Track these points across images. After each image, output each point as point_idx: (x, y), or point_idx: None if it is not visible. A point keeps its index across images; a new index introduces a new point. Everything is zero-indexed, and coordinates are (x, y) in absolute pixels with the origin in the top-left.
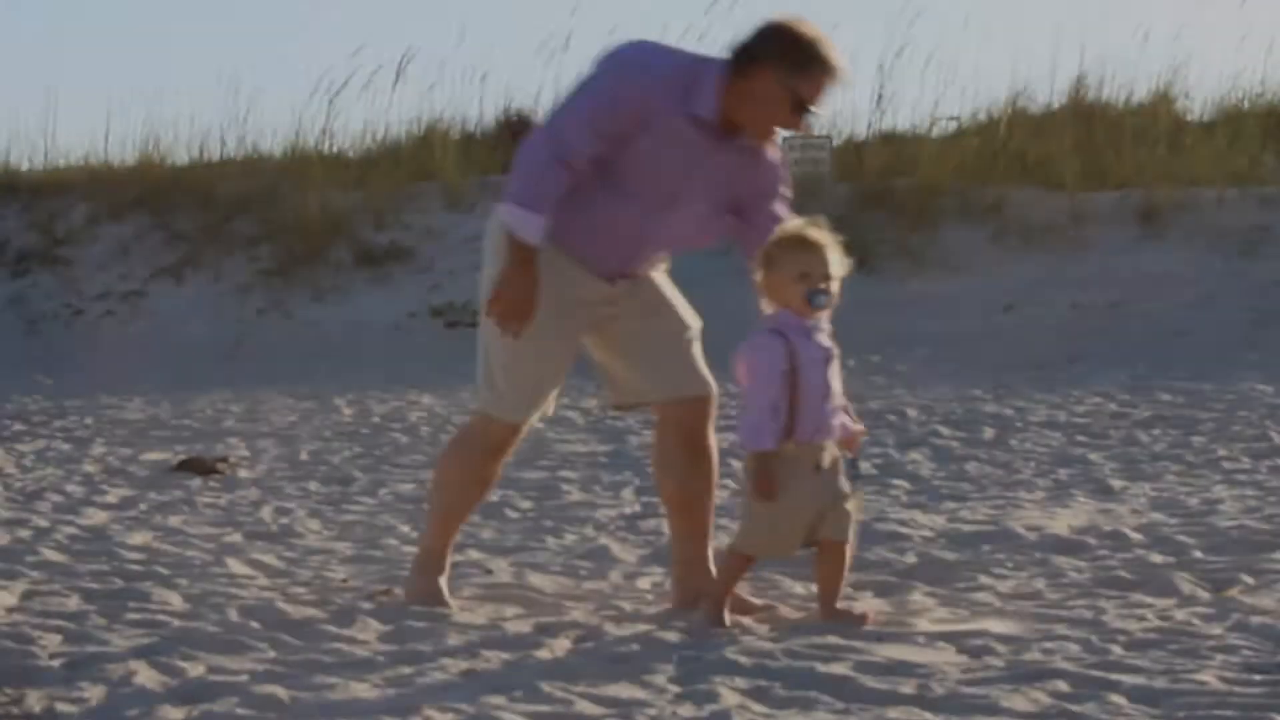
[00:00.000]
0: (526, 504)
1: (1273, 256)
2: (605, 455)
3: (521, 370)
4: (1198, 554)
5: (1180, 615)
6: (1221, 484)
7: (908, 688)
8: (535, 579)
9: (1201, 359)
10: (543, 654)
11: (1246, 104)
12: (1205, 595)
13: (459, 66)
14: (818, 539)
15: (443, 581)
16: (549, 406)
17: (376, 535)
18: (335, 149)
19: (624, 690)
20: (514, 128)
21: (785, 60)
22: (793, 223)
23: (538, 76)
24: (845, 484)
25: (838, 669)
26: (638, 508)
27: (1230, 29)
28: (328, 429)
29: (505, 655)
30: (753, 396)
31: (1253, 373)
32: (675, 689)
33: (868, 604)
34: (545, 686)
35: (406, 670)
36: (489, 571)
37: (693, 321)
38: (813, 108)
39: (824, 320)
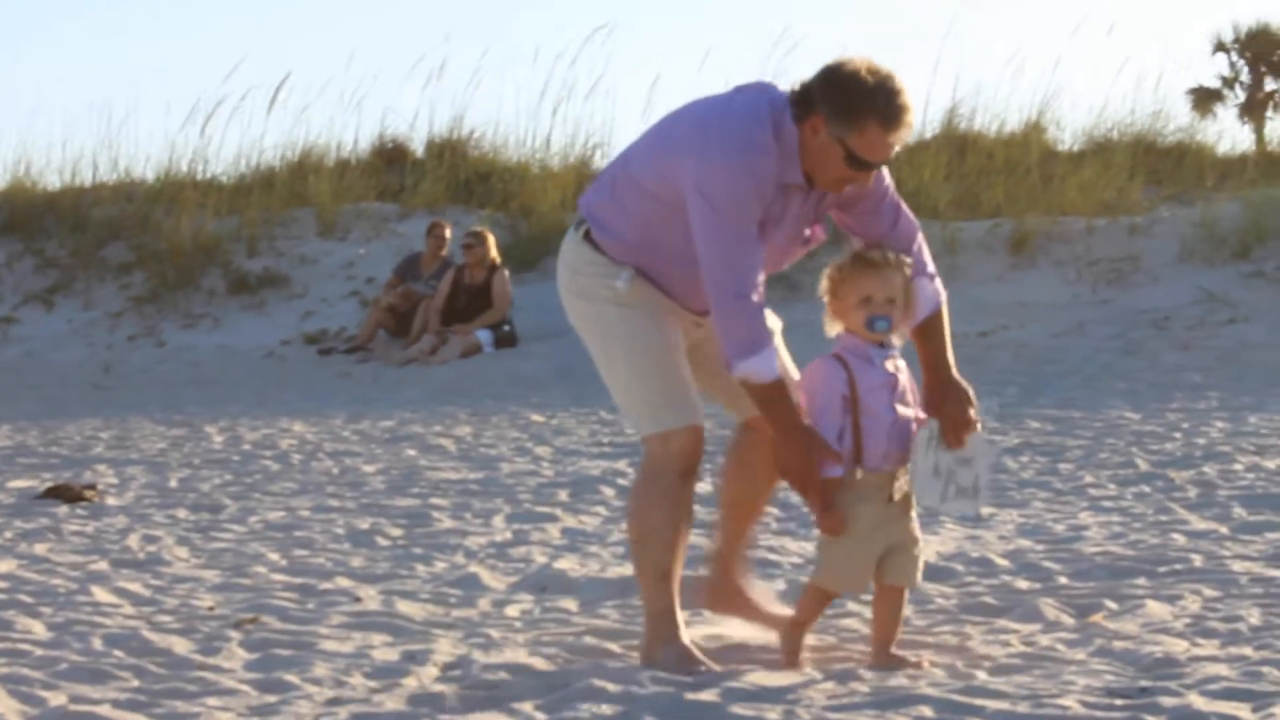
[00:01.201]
0: (397, 531)
1: (1141, 285)
2: (476, 483)
3: (659, 372)
4: (1063, 580)
5: (1045, 641)
6: (1088, 510)
7: (774, 714)
8: (404, 607)
9: (1070, 387)
10: (409, 682)
11: (1116, 134)
12: (1070, 621)
13: (334, 91)
14: (881, 581)
15: (686, 639)
16: (702, 412)
17: (245, 563)
18: (209, 174)
19: (491, 718)
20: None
21: (834, 109)
22: (860, 245)
23: (414, 102)
24: (916, 530)
25: (705, 695)
26: (508, 535)
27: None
28: (198, 456)
29: (372, 684)
30: (815, 424)
31: (1120, 400)
32: (542, 717)
33: (920, 652)
34: (411, 715)
35: (271, 699)
36: (358, 600)
37: (791, 369)
38: (870, 161)
39: (892, 344)
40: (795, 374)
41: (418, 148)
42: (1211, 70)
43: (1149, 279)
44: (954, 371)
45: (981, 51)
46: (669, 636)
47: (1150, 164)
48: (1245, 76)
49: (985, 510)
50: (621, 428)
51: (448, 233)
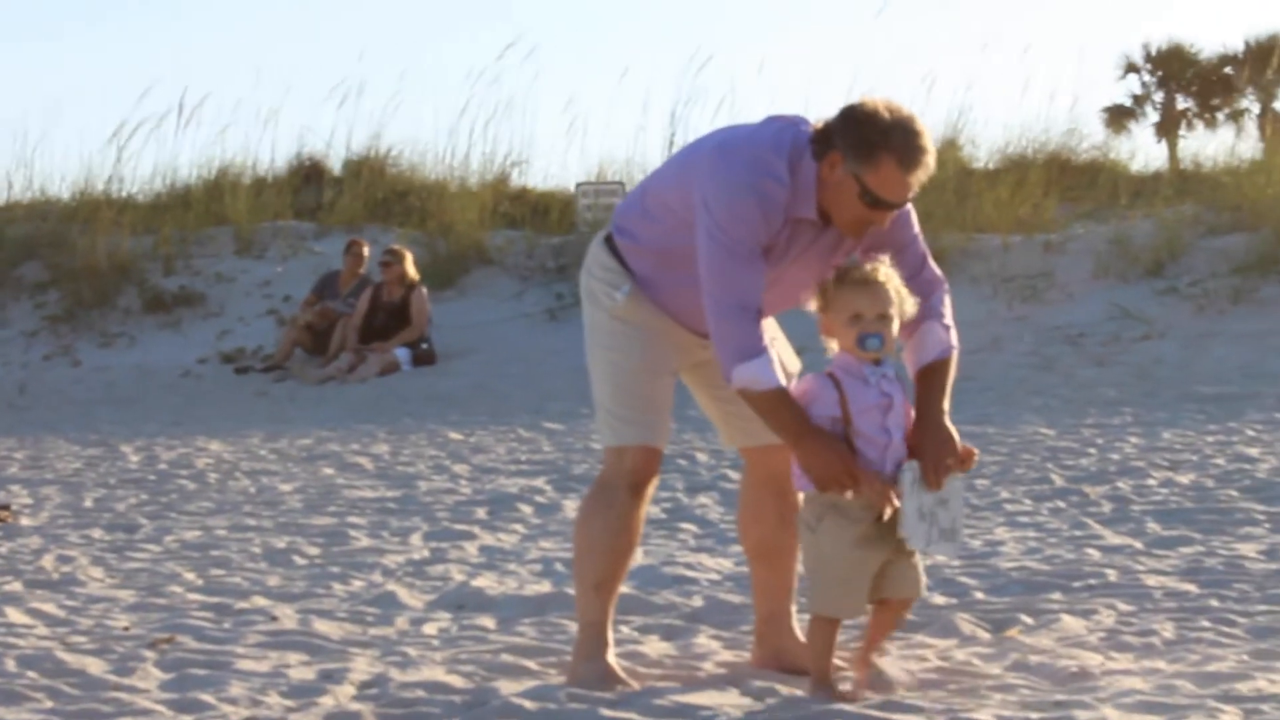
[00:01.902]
0: (314, 550)
1: (1056, 301)
2: (394, 501)
3: (631, 389)
4: (979, 595)
5: (961, 655)
6: (1004, 526)
7: None
8: (321, 626)
9: (986, 402)
10: (326, 701)
11: (1030, 152)
12: (986, 636)
13: (250, 110)
14: (880, 595)
15: (612, 658)
16: (665, 437)
17: (161, 583)
18: (124, 193)
19: None
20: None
21: (850, 145)
22: (849, 263)
23: (331, 120)
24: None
25: (623, 713)
26: (426, 553)
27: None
28: (113, 476)
29: (288, 703)
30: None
31: (1035, 416)
32: None
33: (903, 667)
34: None
35: (187, 719)
36: (274, 619)
37: (792, 365)
38: (886, 200)
39: (888, 363)
40: (793, 365)
41: (335, 166)
42: (1125, 89)
43: (1064, 295)
44: (944, 418)
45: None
46: (593, 652)
47: (1065, 181)
48: (1157, 95)
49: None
50: (540, 445)
51: (366, 251)
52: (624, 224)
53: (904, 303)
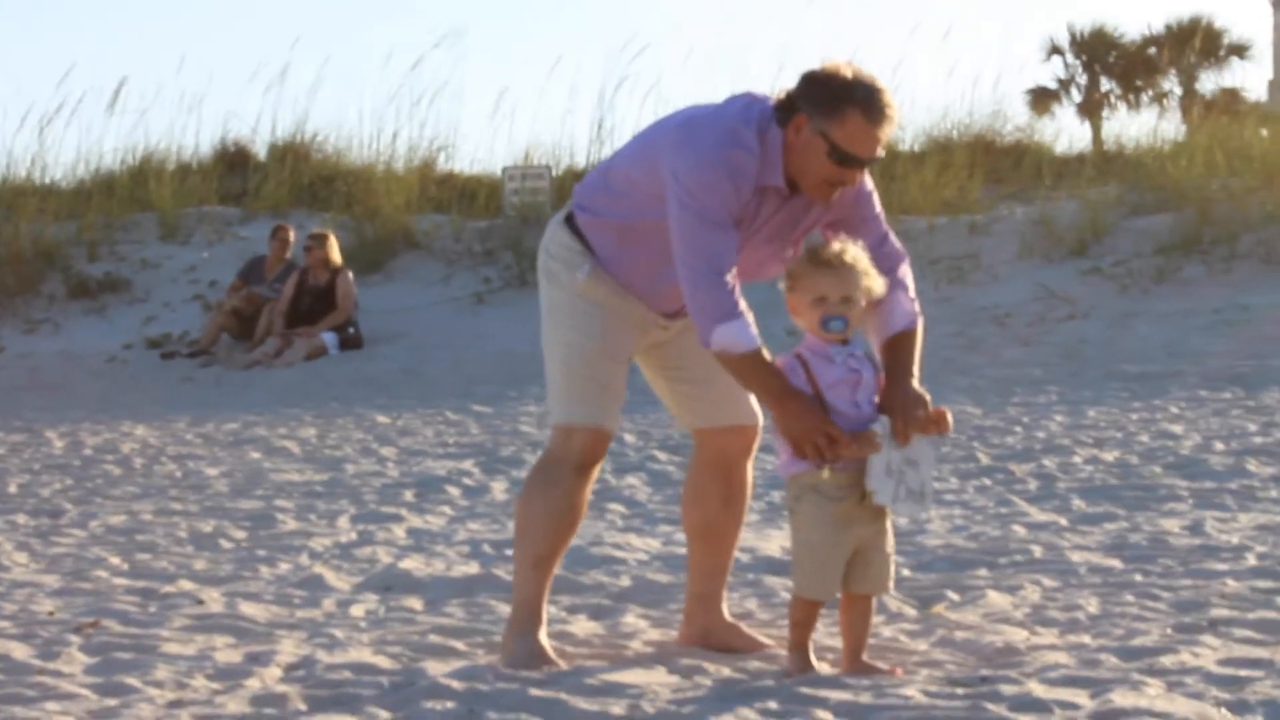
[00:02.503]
0: (240, 534)
1: (982, 283)
2: (321, 484)
3: (585, 370)
4: (906, 572)
5: (888, 632)
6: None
7: (619, 708)
8: (247, 608)
9: None
10: (252, 684)
11: (955, 134)
12: (912, 613)
13: (174, 95)
14: (850, 586)
15: (544, 637)
16: (616, 420)
17: (86, 567)
18: (48, 179)
19: (334, 718)
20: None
21: (816, 103)
22: (821, 243)
23: (257, 105)
24: (889, 535)
25: (550, 691)
26: (354, 536)
27: (938, 62)
28: (38, 461)
29: (214, 685)
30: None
31: (962, 396)
32: (386, 716)
33: (894, 660)
34: (254, 716)
35: (112, 703)
36: (200, 602)
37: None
38: (854, 154)
39: (854, 343)
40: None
41: (260, 151)
42: (1049, 71)
43: (989, 276)
44: (913, 380)
45: (822, 53)
46: (524, 630)
47: (989, 163)
48: (1081, 77)
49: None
50: (467, 428)
51: (291, 236)
52: (585, 201)
53: (872, 284)
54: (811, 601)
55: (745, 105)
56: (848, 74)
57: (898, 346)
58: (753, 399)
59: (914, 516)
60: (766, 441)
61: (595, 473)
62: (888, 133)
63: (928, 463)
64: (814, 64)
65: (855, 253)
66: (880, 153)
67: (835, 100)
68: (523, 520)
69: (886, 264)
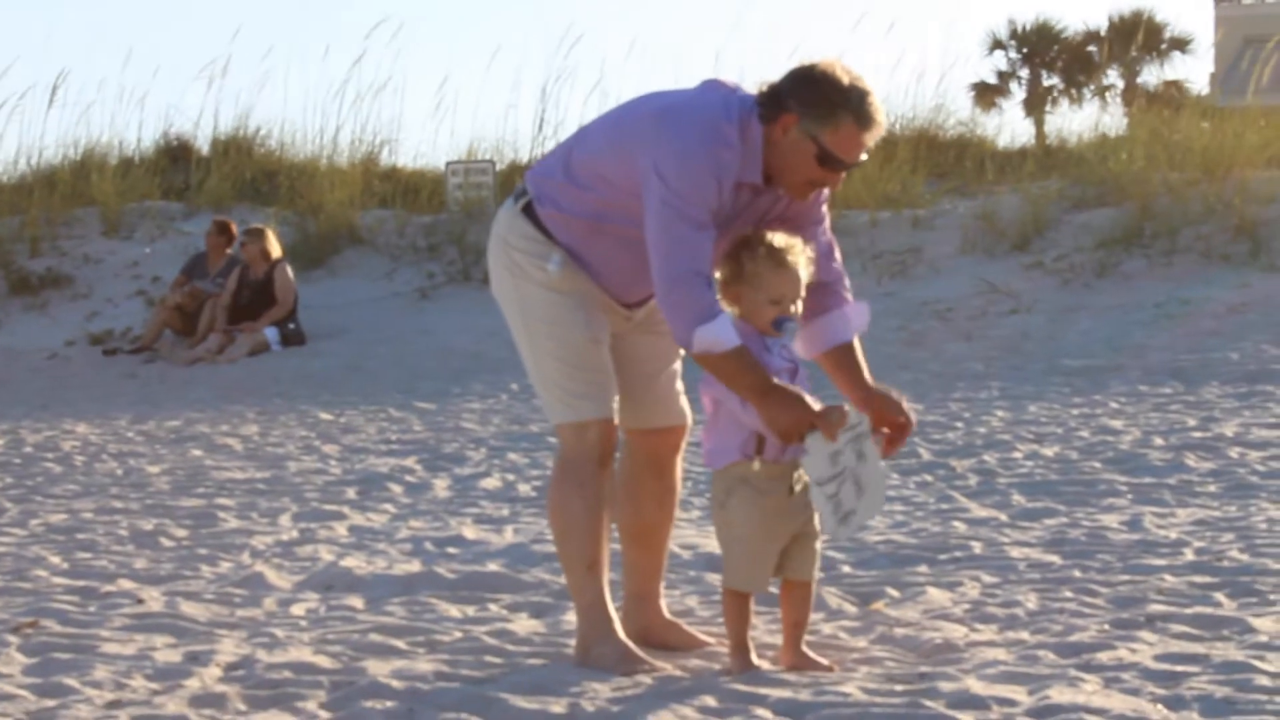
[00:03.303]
0: (181, 532)
1: (924, 277)
2: (263, 482)
3: (580, 362)
4: (846, 569)
5: (827, 629)
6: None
7: (559, 707)
8: (188, 608)
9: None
10: (192, 683)
11: (898, 128)
12: (852, 609)
13: (115, 89)
14: (785, 573)
15: (623, 634)
16: (616, 405)
17: (25, 567)
18: None
19: (274, 718)
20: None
21: (809, 106)
22: (773, 237)
23: (198, 100)
24: (817, 519)
25: (490, 691)
26: (295, 534)
27: (880, 56)
28: None
29: (153, 685)
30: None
31: (904, 390)
32: (326, 715)
33: (829, 653)
34: (193, 716)
35: (50, 703)
36: (140, 601)
37: (678, 349)
38: (843, 160)
39: (787, 336)
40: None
41: (203, 146)
42: (991, 66)
43: (931, 271)
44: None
45: (764, 47)
46: (605, 633)
47: (932, 158)
48: (1023, 72)
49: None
50: (410, 425)
51: (234, 229)
52: (545, 192)
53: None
54: (742, 594)
55: (724, 98)
56: (844, 79)
57: (849, 350)
58: (682, 400)
59: (828, 530)
60: (700, 436)
61: (612, 461)
62: (876, 137)
63: (874, 498)
64: (807, 62)
65: (806, 253)
66: (864, 157)
67: (831, 106)
68: (563, 526)
69: (834, 276)
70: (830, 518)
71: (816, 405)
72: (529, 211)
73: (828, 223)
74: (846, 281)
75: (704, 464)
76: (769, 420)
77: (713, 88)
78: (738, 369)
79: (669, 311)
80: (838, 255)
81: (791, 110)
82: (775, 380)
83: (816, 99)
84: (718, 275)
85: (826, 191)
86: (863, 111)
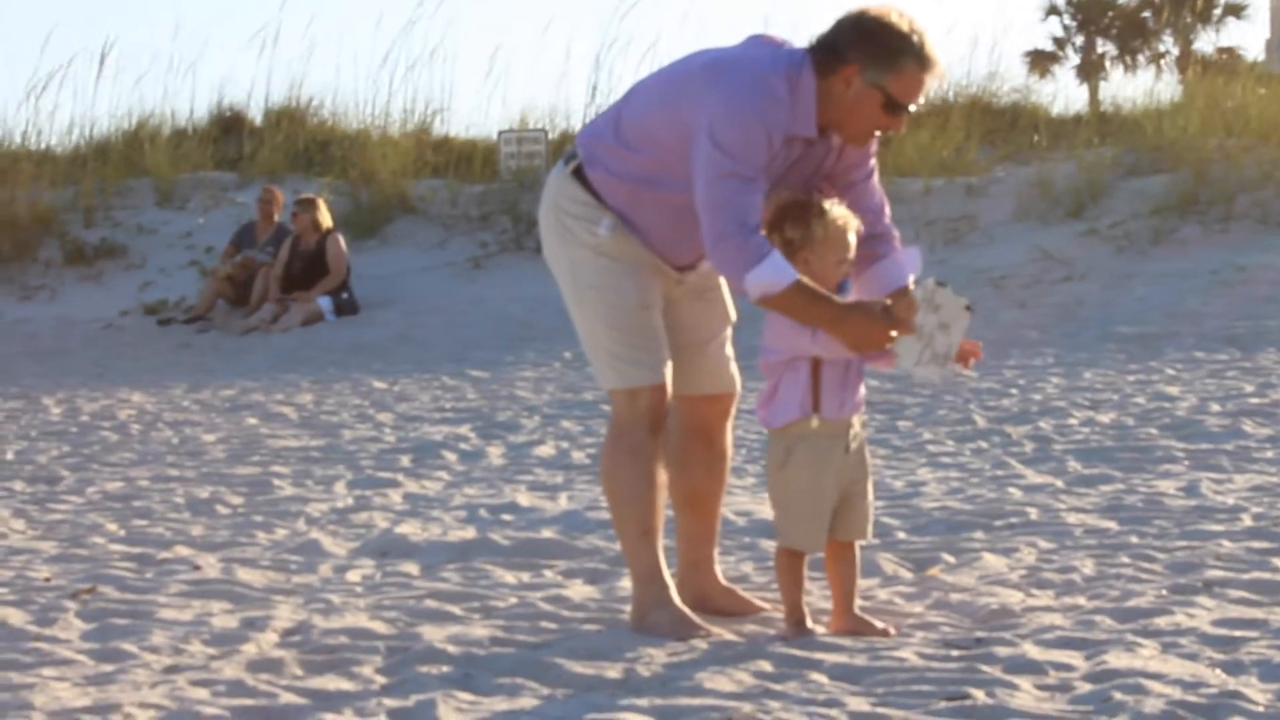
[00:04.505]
0: (237, 499)
1: (978, 245)
2: (318, 450)
3: (632, 327)
4: (901, 535)
5: (883, 595)
6: (926, 467)
7: (614, 672)
8: (244, 574)
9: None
10: (249, 649)
11: (951, 95)
12: (908, 575)
13: (168, 59)
14: (834, 535)
15: (678, 601)
16: (669, 371)
17: (82, 534)
18: (43, 145)
19: (330, 683)
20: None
21: (872, 56)
22: (831, 202)
23: (250, 69)
24: (870, 483)
25: (545, 656)
26: (350, 501)
27: (936, 23)
28: (34, 428)
29: (210, 650)
30: (783, 358)
31: None
32: (382, 680)
33: (885, 618)
34: (250, 681)
35: (108, 668)
36: (197, 567)
37: (729, 315)
38: (909, 105)
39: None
40: (730, 316)
41: (256, 116)
42: (1045, 33)
43: (985, 238)
44: None
45: (814, 14)
46: (661, 599)
47: (986, 125)
48: (1077, 38)
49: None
50: (463, 393)
51: (279, 198)
52: (596, 155)
53: None
54: (796, 553)
55: (771, 53)
56: (902, 24)
57: (906, 294)
58: (732, 366)
59: (930, 381)
60: (754, 404)
61: (665, 427)
62: (938, 78)
63: (959, 329)
64: (858, 10)
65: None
66: (924, 97)
67: (893, 53)
68: (617, 494)
69: (883, 229)
70: (922, 354)
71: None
72: (579, 175)
73: (877, 175)
74: (896, 232)
75: (761, 426)
76: (851, 340)
77: (759, 43)
78: (804, 301)
79: (720, 263)
80: (887, 209)
81: (852, 61)
82: (844, 301)
83: (878, 48)
84: (785, 237)
85: (875, 145)
86: (924, 55)
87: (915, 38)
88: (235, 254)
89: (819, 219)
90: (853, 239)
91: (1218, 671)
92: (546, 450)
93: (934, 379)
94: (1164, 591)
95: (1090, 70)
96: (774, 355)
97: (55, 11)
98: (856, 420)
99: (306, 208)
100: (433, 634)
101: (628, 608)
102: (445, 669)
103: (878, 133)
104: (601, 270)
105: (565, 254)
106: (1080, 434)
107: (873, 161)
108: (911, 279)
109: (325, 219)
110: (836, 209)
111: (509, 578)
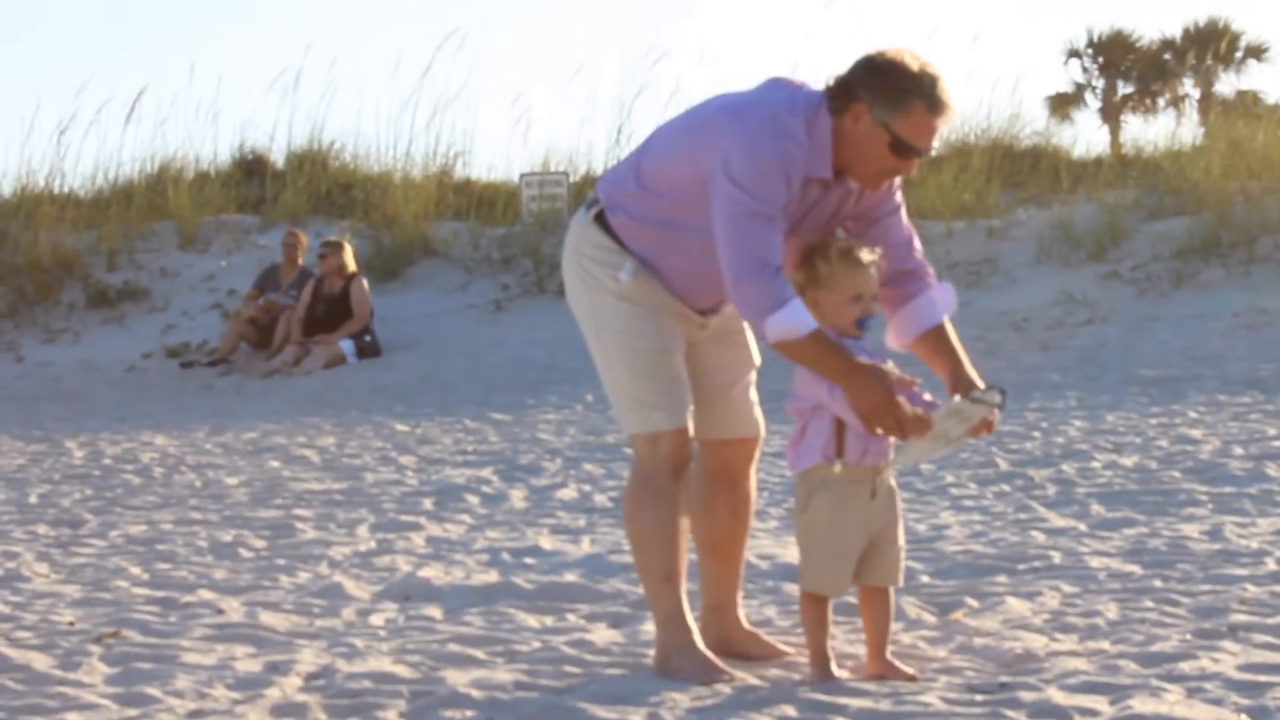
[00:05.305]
0: (260, 543)
1: (1000, 287)
2: (340, 493)
3: (653, 372)
4: (925, 579)
5: (907, 639)
6: (949, 510)
7: (637, 717)
8: (267, 618)
9: (931, 388)
10: (272, 693)
11: (973, 138)
12: (931, 619)
13: (191, 104)
14: (864, 579)
15: (702, 645)
16: (690, 413)
17: (106, 577)
18: (66, 188)
19: None
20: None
21: (881, 95)
22: (842, 240)
23: (272, 113)
24: (900, 528)
25: (569, 700)
26: (373, 545)
27: (958, 66)
28: (58, 471)
29: (234, 695)
30: (810, 404)
31: None
32: None
33: (913, 663)
34: None
35: (132, 713)
36: (220, 611)
37: (754, 360)
38: (917, 147)
39: (865, 339)
40: (755, 360)
41: (278, 159)
42: (1067, 77)
43: (1007, 281)
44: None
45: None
46: (684, 643)
47: (1007, 167)
48: (1098, 81)
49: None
50: (486, 436)
51: (304, 241)
52: (617, 200)
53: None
54: (820, 599)
55: (789, 95)
56: (913, 65)
57: (941, 333)
58: (756, 411)
59: (916, 463)
60: (778, 448)
61: (687, 471)
62: (948, 122)
63: (978, 414)
64: (874, 50)
65: (870, 249)
66: (937, 142)
67: (901, 93)
68: (639, 538)
69: (913, 264)
70: (931, 449)
71: (909, 407)
72: (601, 220)
73: (904, 211)
74: (930, 268)
75: (788, 468)
76: (854, 400)
77: (776, 85)
78: (817, 351)
79: (740, 304)
80: (917, 243)
81: (862, 99)
82: (859, 359)
83: (887, 87)
84: (793, 281)
85: (899, 180)
86: (934, 97)
87: (926, 80)
88: (258, 297)
89: (822, 256)
90: (873, 274)
91: (1244, 717)
92: (569, 493)
93: (921, 460)
94: (1188, 636)
95: (1111, 113)
96: (802, 401)
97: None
98: (886, 468)
99: (334, 250)
100: (456, 678)
101: (651, 652)
102: (469, 714)
103: (894, 177)
104: (623, 315)
105: (587, 299)
106: (1103, 477)
107: (898, 197)
108: (936, 401)
109: (350, 263)
110: (844, 244)
111: (532, 621)
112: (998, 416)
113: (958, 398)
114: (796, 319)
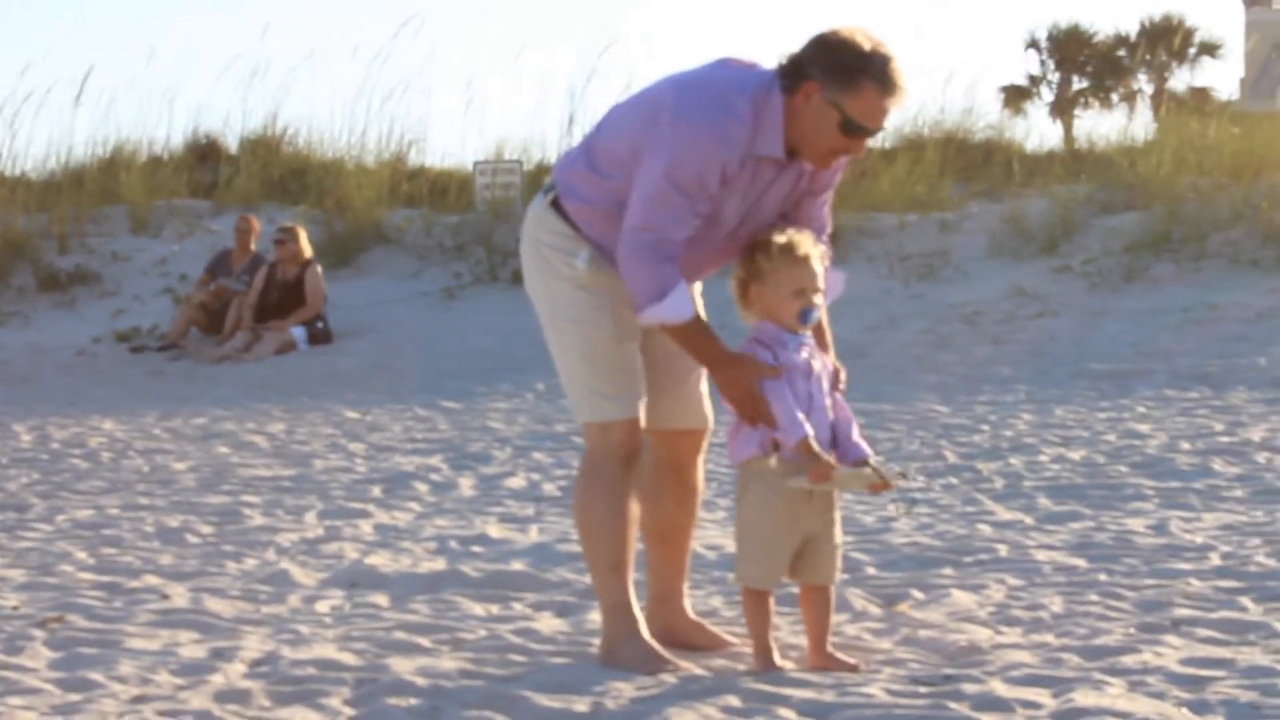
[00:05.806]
0: (207, 529)
1: (951, 280)
2: (289, 479)
3: (605, 361)
4: (871, 571)
5: (852, 630)
6: (896, 501)
7: (582, 706)
8: (213, 604)
9: (882, 380)
10: (217, 679)
11: (926, 131)
12: (876, 611)
13: (145, 86)
14: (801, 577)
15: (648, 635)
16: (643, 406)
17: (51, 562)
18: (18, 170)
19: (298, 714)
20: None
21: (831, 73)
22: (782, 234)
23: (226, 98)
24: (837, 526)
25: (514, 689)
26: (320, 531)
27: (911, 60)
28: (4, 455)
29: (178, 680)
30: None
31: (930, 393)
32: (350, 712)
33: (856, 653)
34: (217, 712)
35: (75, 698)
36: (166, 597)
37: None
38: (867, 127)
39: (805, 334)
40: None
41: (231, 144)
42: (1021, 70)
43: (959, 274)
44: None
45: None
46: (630, 633)
47: (960, 161)
48: (1053, 76)
49: None
50: (436, 424)
51: (256, 227)
52: (571, 184)
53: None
54: (759, 592)
55: (739, 74)
56: (865, 45)
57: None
58: (705, 402)
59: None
60: (721, 437)
61: (638, 461)
62: (899, 103)
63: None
64: (827, 29)
65: (813, 243)
66: (888, 121)
67: (852, 72)
68: (587, 527)
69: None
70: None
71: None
72: (557, 206)
73: (828, 198)
74: (831, 252)
75: (728, 459)
76: (721, 389)
77: (725, 64)
78: (692, 337)
79: (627, 274)
80: (827, 231)
81: (813, 78)
82: (732, 352)
83: (838, 65)
84: (735, 277)
85: (844, 160)
86: (885, 77)
87: (878, 59)
88: (210, 282)
89: (763, 252)
90: (815, 267)
91: (1185, 711)
92: (518, 482)
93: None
94: (1132, 630)
95: (1064, 107)
96: None
97: (40, 40)
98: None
99: (290, 236)
100: (401, 666)
101: (597, 641)
102: (413, 701)
103: (841, 157)
104: (579, 303)
105: (544, 286)
106: (1051, 471)
107: (836, 179)
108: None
109: (307, 249)
110: (785, 240)
111: (478, 610)
112: (893, 487)
113: (870, 466)
114: (675, 309)
